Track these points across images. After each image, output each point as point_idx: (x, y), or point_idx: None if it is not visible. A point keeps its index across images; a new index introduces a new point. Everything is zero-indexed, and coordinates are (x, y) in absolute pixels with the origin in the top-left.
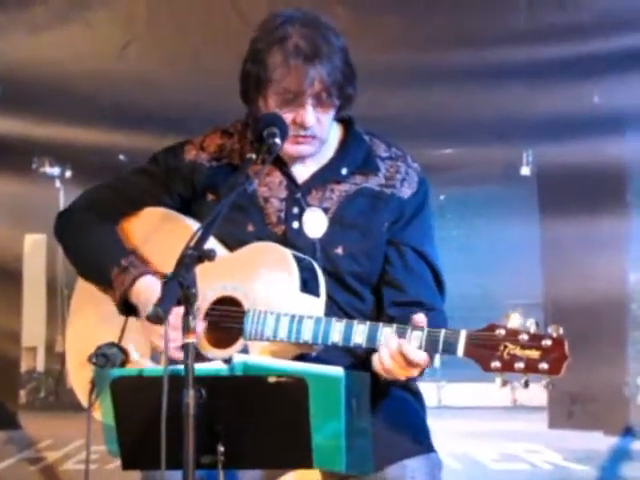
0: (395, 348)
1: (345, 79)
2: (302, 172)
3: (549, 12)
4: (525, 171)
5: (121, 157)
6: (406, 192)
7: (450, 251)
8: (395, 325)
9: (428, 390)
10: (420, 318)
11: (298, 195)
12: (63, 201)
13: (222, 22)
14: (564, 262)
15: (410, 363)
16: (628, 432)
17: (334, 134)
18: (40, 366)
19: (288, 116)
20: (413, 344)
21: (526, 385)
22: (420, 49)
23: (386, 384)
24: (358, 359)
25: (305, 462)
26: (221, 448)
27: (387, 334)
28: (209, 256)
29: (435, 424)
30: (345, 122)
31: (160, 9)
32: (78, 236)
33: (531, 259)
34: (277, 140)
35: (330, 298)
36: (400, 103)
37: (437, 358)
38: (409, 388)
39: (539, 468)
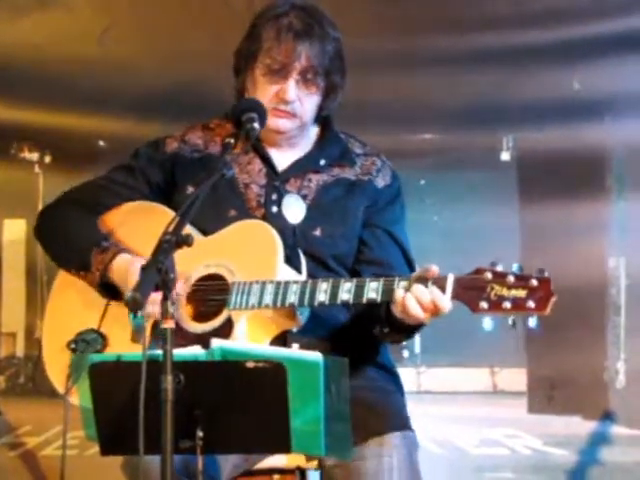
0: (429, 299)
1: (333, 66)
2: (281, 161)
3: None
4: (505, 156)
5: (101, 142)
6: (380, 182)
7: (430, 236)
8: (397, 277)
9: (408, 375)
10: (434, 268)
11: (277, 182)
12: (42, 186)
13: (203, 6)
14: (544, 247)
15: (439, 310)
16: (607, 417)
17: (312, 132)
18: (20, 352)
19: (272, 88)
20: (399, 292)
21: (513, 325)
22: (400, 34)
23: (361, 363)
24: (337, 345)
25: (283, 447)
26: (200, 433)
27: (417, 288)
28: (187, 241)
29: (415, 409)
30: (323, 121)
31: None
32: (58, 227)
33: (511, 244)
34: (255, 125)
35: (311, 277)
36: (380, 88)
37: (417, 343)
38: (385, 367)
39: (519, 453)
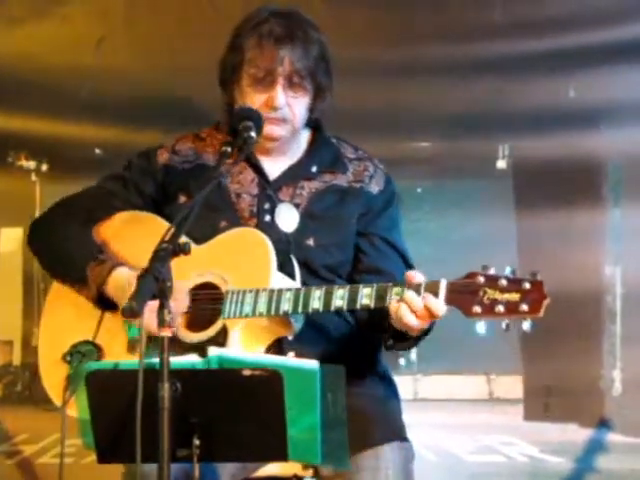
0: (422, 306)
1: (318, 68)
2: (273, 170)
3: (524, 6)
4: (501, 164)
5: (97, 151)
6: (374, 188)
7: (426, 244)
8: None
9: (404, 383)
10: (413, 274)
11: (269, 191)
12: (39, 195)
13: (198, 17)
14: (540, 255)
15: (433, 316)
16: (603, 424)
17: (303, 137)
18: (16, 360)
19: (260, 97)
20: (393, 302)
21: (507, 328)
22: (396, 43)
23: (358, 371)
24: (333, 353)
25: (280, 455)
26: (196, 441)
27: (409, 295)
28: (184, 250)
29: (411, 417)
30: (314, 126)
31: (137, 3)
32: (51, 242)
33: (507, 252)
34: (252, 134)
35: (304, 284)
36: (377, 97)
37: (413, 351)
38: (381, 375)
39: (515, 460)
